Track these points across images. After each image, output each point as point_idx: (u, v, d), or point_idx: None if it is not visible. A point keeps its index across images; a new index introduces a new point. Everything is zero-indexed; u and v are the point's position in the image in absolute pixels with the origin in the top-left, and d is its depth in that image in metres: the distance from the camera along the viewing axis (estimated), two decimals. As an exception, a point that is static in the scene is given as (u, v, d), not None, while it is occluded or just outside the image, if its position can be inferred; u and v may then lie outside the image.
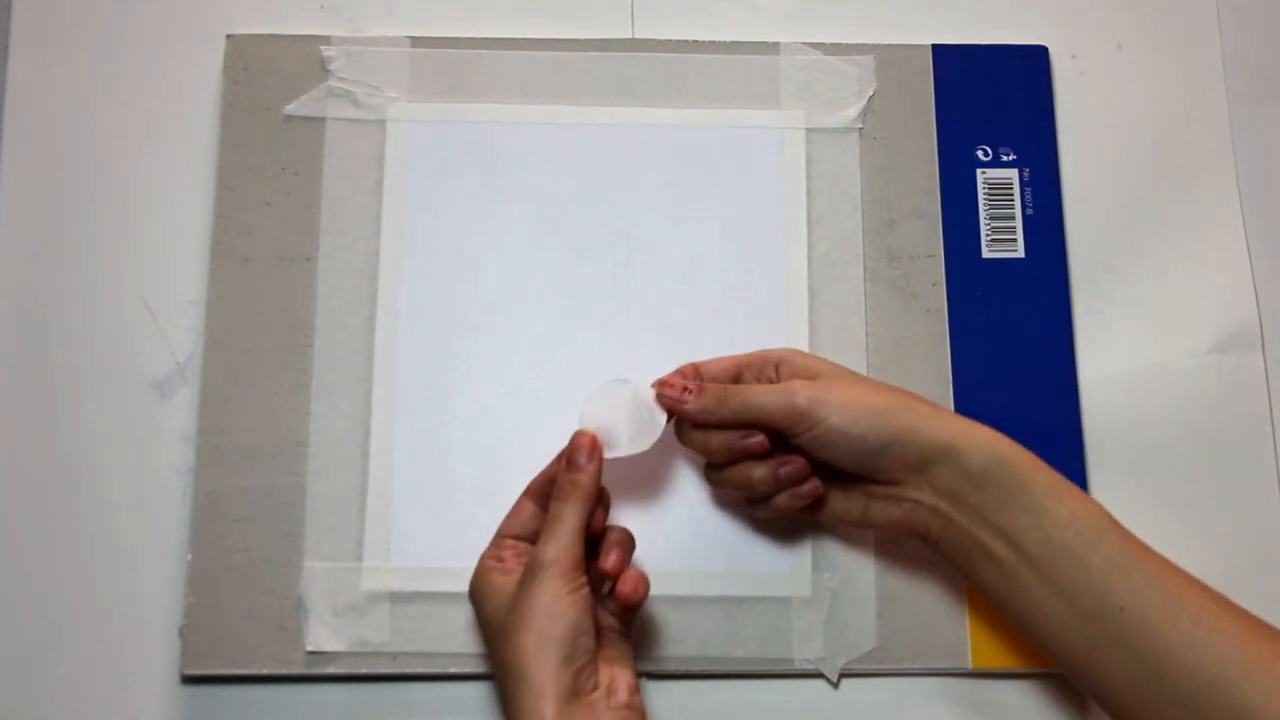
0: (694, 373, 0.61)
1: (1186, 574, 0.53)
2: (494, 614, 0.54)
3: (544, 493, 0.57)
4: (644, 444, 0.59)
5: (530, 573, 0.53)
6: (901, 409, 0.56)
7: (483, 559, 0.57)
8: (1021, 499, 0.54)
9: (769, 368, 0.60)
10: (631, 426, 0.59)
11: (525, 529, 0.57)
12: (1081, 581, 0.53)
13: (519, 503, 0.58)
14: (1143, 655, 0.51)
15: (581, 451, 0.56)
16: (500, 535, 0.58)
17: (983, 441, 0.55)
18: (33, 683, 0.62)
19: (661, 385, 0.59)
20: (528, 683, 0.51)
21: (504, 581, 0.55)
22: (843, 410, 0.56)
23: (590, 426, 0.58)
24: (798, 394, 0.56)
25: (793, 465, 0.58)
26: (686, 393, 0.59)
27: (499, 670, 0.54)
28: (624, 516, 0.62)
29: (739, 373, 0.61)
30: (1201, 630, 0.50)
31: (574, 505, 0.55)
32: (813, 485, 0.58)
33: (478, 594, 0.56)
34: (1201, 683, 0.50)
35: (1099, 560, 0.53)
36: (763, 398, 0.57)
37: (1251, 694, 0.49)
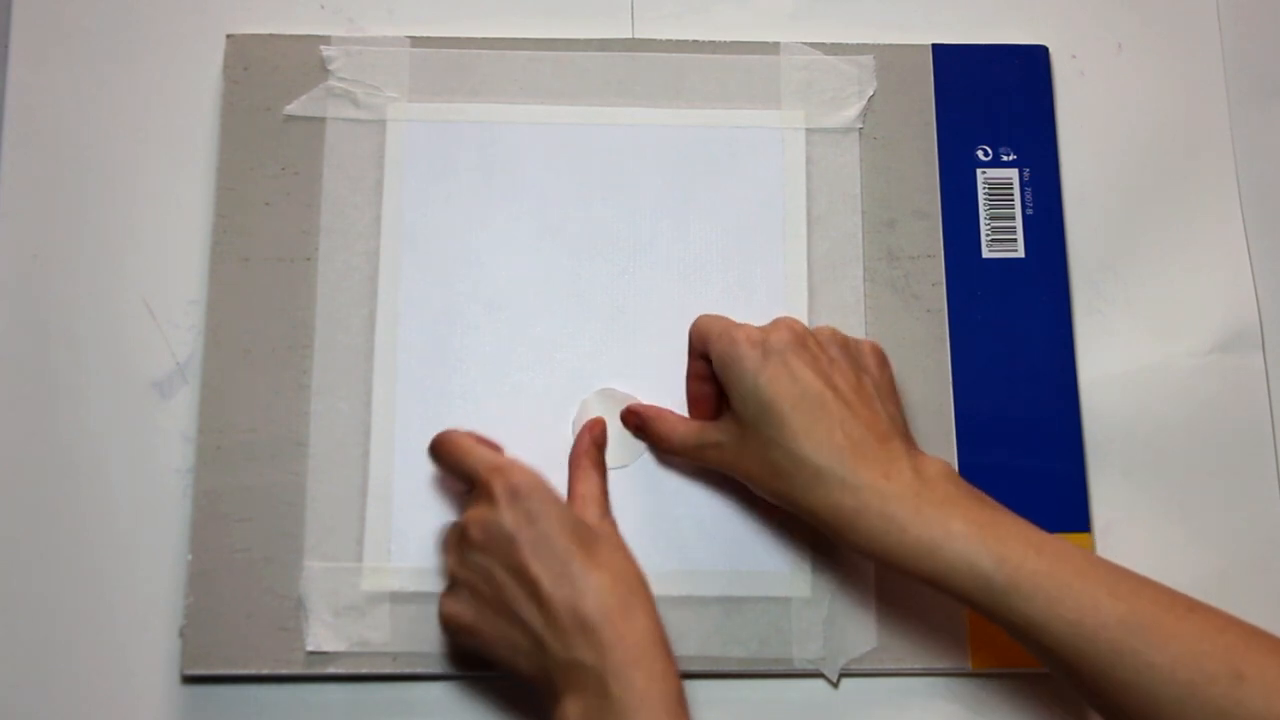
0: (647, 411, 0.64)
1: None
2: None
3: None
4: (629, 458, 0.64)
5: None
6: (801, 482, 0.55)
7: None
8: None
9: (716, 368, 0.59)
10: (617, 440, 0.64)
11: None
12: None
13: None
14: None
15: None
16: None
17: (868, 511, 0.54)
18: (33, 683, 0.62)
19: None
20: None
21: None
22: (749, 479, 0.58)
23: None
24: (708, 456, 0.60)
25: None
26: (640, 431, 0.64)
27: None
28: (624, 516, 0.62)
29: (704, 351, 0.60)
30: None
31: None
32: None
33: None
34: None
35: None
36: (685, 442, 0.61)
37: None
